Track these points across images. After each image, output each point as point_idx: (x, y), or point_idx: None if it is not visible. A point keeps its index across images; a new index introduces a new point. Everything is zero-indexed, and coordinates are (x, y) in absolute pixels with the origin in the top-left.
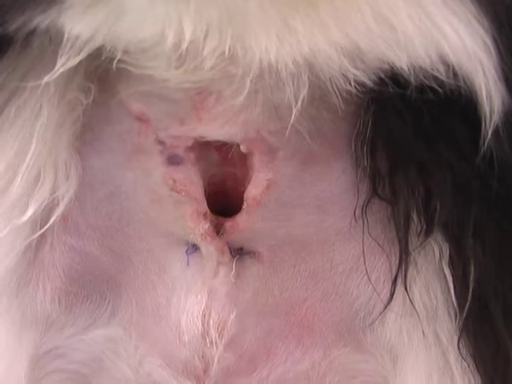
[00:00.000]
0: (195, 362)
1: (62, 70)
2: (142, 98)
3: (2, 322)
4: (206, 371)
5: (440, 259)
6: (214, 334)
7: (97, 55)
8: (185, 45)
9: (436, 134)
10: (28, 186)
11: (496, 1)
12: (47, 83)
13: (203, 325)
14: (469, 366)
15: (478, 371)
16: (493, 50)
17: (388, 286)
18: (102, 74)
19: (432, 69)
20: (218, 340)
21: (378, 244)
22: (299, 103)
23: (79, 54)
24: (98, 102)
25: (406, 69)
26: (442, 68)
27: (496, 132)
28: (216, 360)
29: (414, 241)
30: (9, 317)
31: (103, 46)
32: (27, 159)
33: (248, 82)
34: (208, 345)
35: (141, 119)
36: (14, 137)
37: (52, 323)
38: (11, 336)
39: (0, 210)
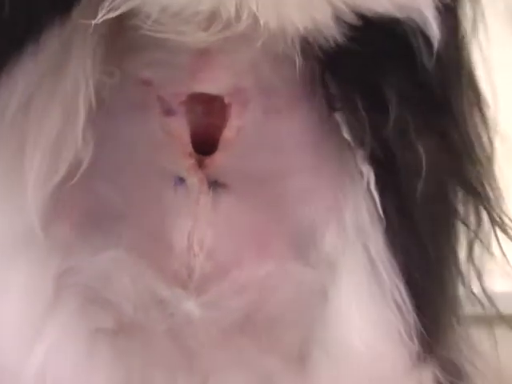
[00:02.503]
0: (182, 271)
1: (101, 20)
2: (148, 65)
3: (34, 249)
4: (190, 277)
5: (367, 184)
6: (196, 248)
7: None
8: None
9: (384, 63)
10: (57, 148)
11: None
12: (69, 52)
13: (188, 241)
14: (394, 269)
15: (402, 275)
16: None
17: (327, 212)
18: (111, 45)
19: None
20: (199, 253)
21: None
22: (269, 64)
23: (118, 9)
24: (107, 71)
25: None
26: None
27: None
28: (198, 268)
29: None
30: (38, 246)
31: (138, 6)
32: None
33: (242, 45)
34: (192, 257)
35: (145, 83)
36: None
37: (69, 249)
38: (41, 260)
39: (35, 162)
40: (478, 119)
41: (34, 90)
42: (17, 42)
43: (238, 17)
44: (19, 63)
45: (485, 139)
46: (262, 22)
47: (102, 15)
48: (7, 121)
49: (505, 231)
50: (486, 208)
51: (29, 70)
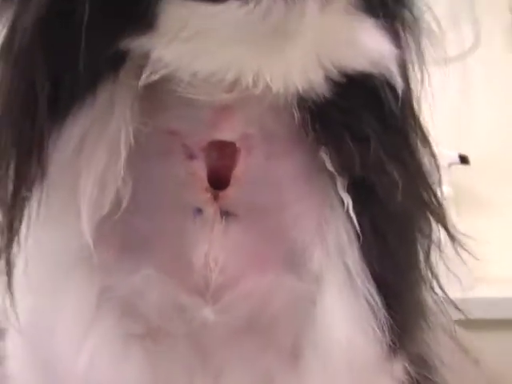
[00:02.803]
0: (200, 283)
1: (143, 83)
2: (176, 118)
3: (83, 272)
4: (206, 288)
5: (347, 209)
6: (212, 265)
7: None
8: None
9: (361, 110)
10: (103, 184)
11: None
12: (114, 104)
13: (205, 260)
14: (367, 278)
15: (374, 282)
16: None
17: (314, 235)
18: (147, 100)
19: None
20: (214, 268)
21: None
22: (272, 116)
23: (157, 73)
24: (143, 122)
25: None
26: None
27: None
28: (213, 281)
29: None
30: (86, 266)
31: (173, 71)
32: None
33: (253, 102)
34: (208, 272)
35: (173, 133)
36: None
37: (109, 269)
38: (87, 278)
39: (86, 195)
40: (425, 151)
41: (86, 134)
42: (79, 95)
43: (255, 84)
44: (78, 112)
45: (432, 167)
46: (274, 89)
47: (145, 77)
48: (66, 157)
49: (456, 242)
50: (441, 222)
51: (85, 117)
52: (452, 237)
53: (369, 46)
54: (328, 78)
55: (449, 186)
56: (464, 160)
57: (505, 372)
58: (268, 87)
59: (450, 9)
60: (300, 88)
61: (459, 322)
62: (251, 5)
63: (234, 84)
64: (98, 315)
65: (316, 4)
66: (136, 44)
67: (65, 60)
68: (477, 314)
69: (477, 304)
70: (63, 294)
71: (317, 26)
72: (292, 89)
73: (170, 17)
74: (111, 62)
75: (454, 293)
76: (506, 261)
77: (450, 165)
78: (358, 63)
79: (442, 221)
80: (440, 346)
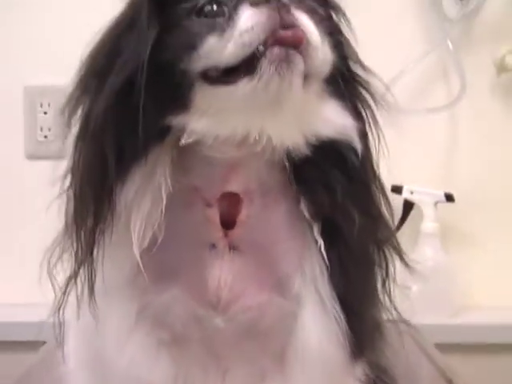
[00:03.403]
0: (214, 299)
1: (183, 142)
2: (197, 176)
3: (128, 291)
4: (218, 303)
5: (319, 251)
6: (222, 285)
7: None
8: (249, 139)
9: (330, 166)
10: (147, 223)
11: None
12: (157, 164)
13: (218, 282)
14: (334, 299)
15: (340, 302)
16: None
17: (296, 267)
18: (177, 162)
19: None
20: (224, 288)
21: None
22: (266, 173)
23: (190, 139)
24: (174, 179)
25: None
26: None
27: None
28: (223, 297)
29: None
30: (129, 287)
31: (202, 137)
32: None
33: (253, 159)
34: (219, 291)
35: (195, 188)
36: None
37: (145, 291)
38: (129, 297)
39: (135, 232)
40: (381, 198)
41: (137, 187)
42: (135, 159)
43: (258, 140)
44: (134, 171)
45: (387, 212)
46: (275, 144)
47: (184, 142)
48: (123, 204)
49: (410, 269)
50: (398, 255)
51: (137, 174)
52: (407, 266)
53: (336, 120)
54: (306, 142)
55: (435, 222)
56: (449, 198)
57: None
58: (266, 144)
59: (440, 62)
60: (289, 145)
61: (440, 346)
62: (255, 80)
63: (242, 142)
64: (137, 325)
65: (299, 80)
66: (176, 121)
67: (125, 135)
68: (460, 338)
69: (461, 329)
70: (112, 307)
71: (300, 99)
72: (284, 145)
73: (201, 100)
74: (159, 134)
75: (441, 319)
76: (487, 291)
77: (436, 203)
78: (328, 132)
79: (399, 253)
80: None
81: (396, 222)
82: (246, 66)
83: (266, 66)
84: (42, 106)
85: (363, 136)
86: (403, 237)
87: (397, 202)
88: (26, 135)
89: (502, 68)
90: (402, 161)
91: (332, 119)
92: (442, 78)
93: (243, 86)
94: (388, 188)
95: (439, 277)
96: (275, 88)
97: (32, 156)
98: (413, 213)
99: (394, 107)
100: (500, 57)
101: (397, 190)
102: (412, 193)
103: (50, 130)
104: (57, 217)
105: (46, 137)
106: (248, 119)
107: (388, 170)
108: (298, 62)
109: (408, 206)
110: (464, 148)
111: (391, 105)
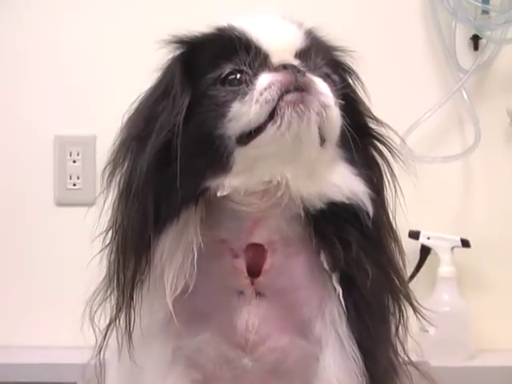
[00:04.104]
0: (242, 341)
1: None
2: (225, 230)
3: (163, 335)
4: (246, 344)
5: (338, 294)
6: (250, 328)
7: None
8: (272, 186)
9: (344, 229)
10: (179, 274)
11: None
12: (189, 221)
13: (246, 325)
14: (352, 341)
15: (357, 344)
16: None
17: (317, 312)
18: (205, 218)
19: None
20: (251, 331)
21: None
22: (287, 226)
23: (224, 192)
24: (203, 233)
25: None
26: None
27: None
28: (250, 339)
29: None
30: (164, 332)
31: (234, 191)
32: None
33: (274, 212)
34: (247, 333)
35: (222, 241)
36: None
37: (179, 334)
38: (164, 340)
39: (169, 282)
40: (396, 252)
41: (171, 242)
42: (169, 217)
43: (280, 186)
44: (168, 228)
45: (401, 259)
46: (292, 192)
47: (220, 194)
48: (159, 258)
49: (424, 319)
50: (411, 305)
51: (171, 231)
52: (419, 313)
53: (346, 187)
54: (320, 200)
55: (452, 266)
56: (465, 243)
57: None
58: (285, 192)
59: (455, 111)
60: (305, 195)
61: None
62: (278, 120)
63: (265, 192)
64: (172, 365)
65: (316, 115)
66: (216, 183)
67: (163, 195)
68: (478, 381)
69: (477, 371)
70: (150, 349)
71: (316, 151)
72: (300, 193)
73: (239, 162)
74: (194, 196)
75: (457, 361)
76: (503, 334)
77: (452, 248)
78: (338, 197)
79: (410, 302)
80: None
81: (413, 266)
82: (270, 118)
83: (284, 107)
84: (71, 154)
85: (376, 196)
86: (421, 281)
87: (414, 247)
88: (56, 183)
89: None
90: (419, 207)
91: (342, 186)
92: (457, 127)
93: (268, 130)
94: (405, 234)
95: (455, 320)
96: (295, 125)
97: (60, 203)
98: (430, 258)
99: (410, 156)
100: None
101: (414, 235)
102: (429, 238)
103: (78, 178)
104: (89, 264)
105: (74, 185)
106: (273, 165)
107: (405, 217)
108: (313, 102)
109: (425, 252)
110: (479, 195)
111: (407, 154)
